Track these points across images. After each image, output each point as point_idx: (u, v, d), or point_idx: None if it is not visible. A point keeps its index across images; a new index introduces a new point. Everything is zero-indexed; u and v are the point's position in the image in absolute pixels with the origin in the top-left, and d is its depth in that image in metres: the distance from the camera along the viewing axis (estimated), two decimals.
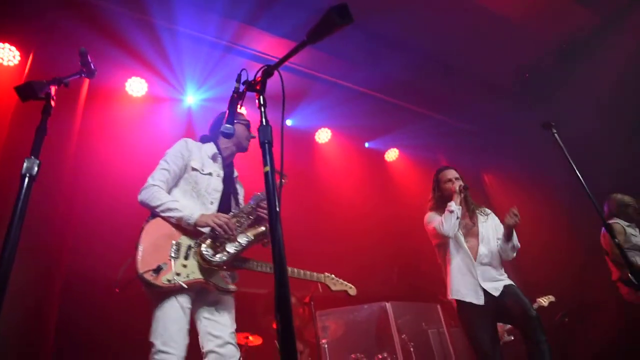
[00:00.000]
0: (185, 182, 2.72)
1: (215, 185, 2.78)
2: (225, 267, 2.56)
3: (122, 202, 4.87)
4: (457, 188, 3.53)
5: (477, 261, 3.45)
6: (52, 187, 4.12)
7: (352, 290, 2.95)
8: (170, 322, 2.32)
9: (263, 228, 2.70)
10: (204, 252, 2.46)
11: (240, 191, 3.04)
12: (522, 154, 7.26)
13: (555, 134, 3.29)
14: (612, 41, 6.76)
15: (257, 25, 5.39)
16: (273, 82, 1.79)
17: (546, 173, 6.16)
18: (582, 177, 3.08)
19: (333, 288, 2.88)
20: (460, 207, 3.50)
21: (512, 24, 6.75)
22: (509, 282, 3.46)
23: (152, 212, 2.56)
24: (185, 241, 2.51)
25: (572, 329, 5.82)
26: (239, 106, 1.90)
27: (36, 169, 1.58)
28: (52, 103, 1.70)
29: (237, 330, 4.98)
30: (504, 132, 7.67)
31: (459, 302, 3.41)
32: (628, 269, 4.25)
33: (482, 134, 7.82)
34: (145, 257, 2.35)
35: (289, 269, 2.62)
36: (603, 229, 3.07)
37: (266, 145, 1.56)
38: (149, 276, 2.29)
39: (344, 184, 7.34)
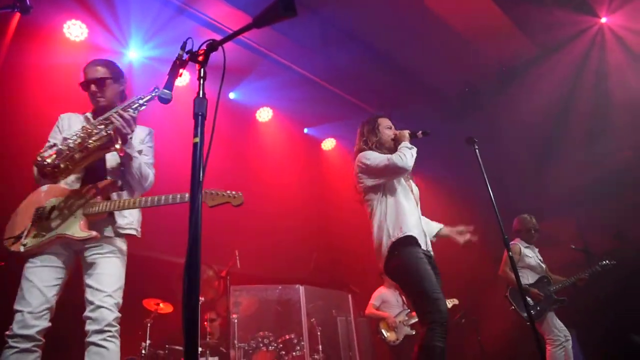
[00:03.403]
0: None
1: None
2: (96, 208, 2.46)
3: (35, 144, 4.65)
4: (419, 132, 3.34)
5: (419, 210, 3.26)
6: None
7: (237, 200, 2.49)
8: (24, 282, 2.35)
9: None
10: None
11: None
12: (450, 164, 7.66)
13: (477, 150, 3.51)
14: (545, 71, 7.30)
15: None
16: (220, 52, 1.80)
17: (466, 185, 6.56)
18: (493, 194, 3.33)
19: (211, 203, 2.46)
20: None
21: (461, 38, 7.09)
22: None
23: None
24: (51, 203, 2.49)
25: (467, 329, 6.32)
26: (179, 73, 1.89)
27: None
28: None
29: (149, 296, 4.97)
30: (435, 138, 8.03)
31: (406, 238, 2.92)
32: (512, 286, 4.74)
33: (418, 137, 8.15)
34: (10, 225, 2.45)
35: (148, 199, 2.50)
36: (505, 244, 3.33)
37: (199, 117, 1.59)
38: (8, 243, 2.37)
39: (277, 166, 7.39)
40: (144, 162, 2.69)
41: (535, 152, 7.36)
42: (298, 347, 5.41)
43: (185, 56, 1.82)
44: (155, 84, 5.82)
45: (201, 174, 1.50)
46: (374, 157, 3.17)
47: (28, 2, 1.90)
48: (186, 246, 1.38)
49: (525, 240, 5.04)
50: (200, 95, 1.65)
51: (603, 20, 6.90)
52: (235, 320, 5.32)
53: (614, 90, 6.76)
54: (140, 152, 2.73)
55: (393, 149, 3.28)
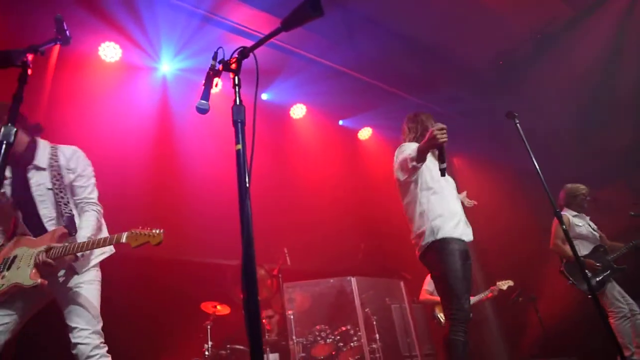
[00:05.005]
0: None
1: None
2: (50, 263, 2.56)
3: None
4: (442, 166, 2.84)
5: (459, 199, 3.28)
6: None
7: (156, 238, 2.49)
8: None
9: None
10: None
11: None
12: (490, 140, 7.48)
13: (518, 124, 3.43)
14: (582, 34, 6.98)
15: None
16: (251, 56, 1.84)
17: (511, 160, 6.38)
18: (539, 167, 3.25)
19: (134, 244, 2.48)
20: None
21: (489, 10, 6.87)
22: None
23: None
24: (15, 253, 2.62)
25: (525, 308, 6.17)
26: (214, 83, 1.95)
27: (13, 137, 1.62)
28: (29, 71, 1.72)
29: (207, 299, 5.14)
30: (474, 117, 7.88)
31: (445, 240, 2.96)
32: (564, 259, 4.56)
33: (454, 117, 8.00)
34: None
35: (80, 244, 2.53)
36: (557, 218, 3.25)
37: (239, 124, 1.64)
38: None
39: (316, 160, 7.45)
40: (85, 231, 2.69)
41: (579, 119, 7.06)
42: (355, 338, 5.46)
43: (218, 66, 1.87)
44: (189, 94, 6.00)
45: (247, 179, 1.55)
46: (407, 149, 3.16)
47: (68, 34, 2.00)
48: (237, 248, 1.44)
49: (575, 210, 4.85)
50: (237, 103, 1.70)
51: None
52: (292, 316, 5.43)
53: None
54: (73, 183, 2.80)
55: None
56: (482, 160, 7.89)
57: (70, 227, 2.67)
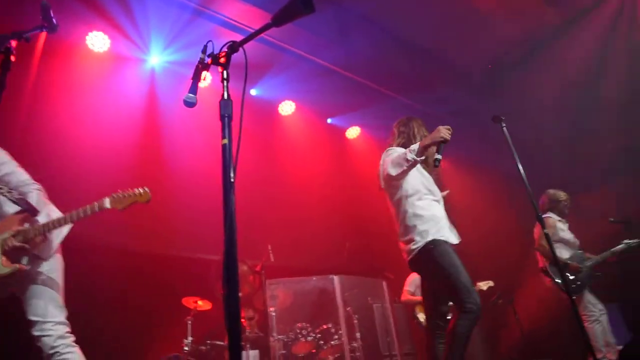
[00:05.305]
0: None
1: None
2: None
3: (75, 163, 4.81)
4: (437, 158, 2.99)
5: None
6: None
7: (144, 197, 2.45)
8: None
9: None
10: None
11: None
12: (477, 142, 7.55)
13: (504, 128, 3.47)
14: (569, 41, 7.08)
15: None
16: (240, 51, 1.83)
17: (497, 163, 6.46)
18: (524, 171, 3.30)
19: (121, 207, 2.42)
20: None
21: (480, 14, 6.93)
22: None
23: None
24: None
25: (504, 310, 6.26)
26: (202, 76, 1.94)
27: None
28: (12, 58, 1.69)
29: (189, 294, 5.11)
30: (463, 119, 7.94)
31: (435, 241, 2.99)
32: (550, 261, 4.64)
33: (443, 118, 8.06)
34: None
35: (68, 215, 2.46)
36: (538, 222, 3.31)
37: (226, 118, 1.63)
38: None
39: (304, 158, 7.44)
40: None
41: (565, 125, 7.17)
42: (336, 336, 5.47)
43: (207, 59, 1.86)
44: (178, 88, 5.96)
45: (232, 174, 1.55)
46: (394, 153, 3.21)
47: (55, 21, 1.96)
48: (221, 243, 1.44)
49: (558, 215, 4.94)
50: (225, 97, 1.69)
51: None
52: (273, 314, 5.43)
53: None
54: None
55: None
56: (469, 163, 7.96)
57: (30, 209, 2.55)
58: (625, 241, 4.78)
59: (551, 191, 5.03)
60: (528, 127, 7.00)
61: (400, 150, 3.17)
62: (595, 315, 4.48)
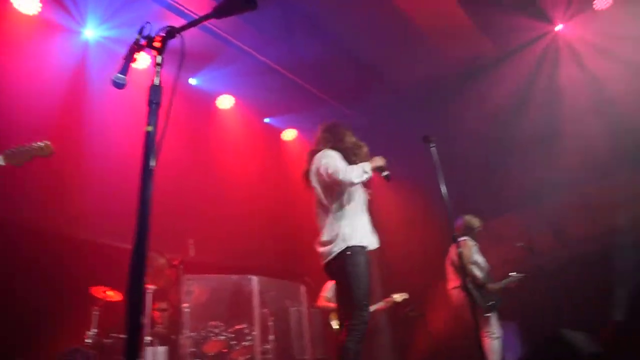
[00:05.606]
0: None
1: None
2: None
3: None
4: (386, 172, 3.38)
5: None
6: None
7: (45, 150, 2.31)
8: None
9: None
10: None
11: None
12: (408, 158, 7.82)
13: (432, 148, 3.63)
14: (502, 74, 7.57)
15: None
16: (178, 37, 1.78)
17: (423, 181, 6.74)
18: (446, 191, 3.45)
19: (17, 162, 2.27)
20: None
21: (425, 37, 7.21)
22: None
23: None
24: None
25: (416, 321, 6.52)
26: (134, 58, 1.86)
27: None
28: None
29: (98, 283, 4.83)
30: (396, 135, 8.20)
31: (357, 247, 3.09)
32: (470, 279, 4.93)
33: (377, 131, 8.27)
34: None
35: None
36: (454, 243, 3.48)
37: (154, 105, 1.58)
38: None
39: (237, 154, 7.33)
40: None
41: (489, 152, 7.62)
42: (249, 337, 5.42)
43: (142, 41, 1.79)
44: (111, 65, 5.67)
45: (153, 161, 1.49)
46: (337, 159, 3.29)
47: None
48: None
49: (472, 239, 5.26)
50: (156, 83, 1.63)
51: (557, 28, 7.21)
52: (187, 310, 5.26)
53: (564, 98, 7.08)
54: None
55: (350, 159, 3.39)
56: (398, 177, 8.22)
57: None
58: (512, 274, 5.15)
59: (467, 217, 5.34)
60: (456, 150, 7.38)
61: (337, 154, 3.29)
62: (497, 333, 4.84)
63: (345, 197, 3.26)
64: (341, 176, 3.13)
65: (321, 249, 3.21)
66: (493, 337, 4.79)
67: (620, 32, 6.58)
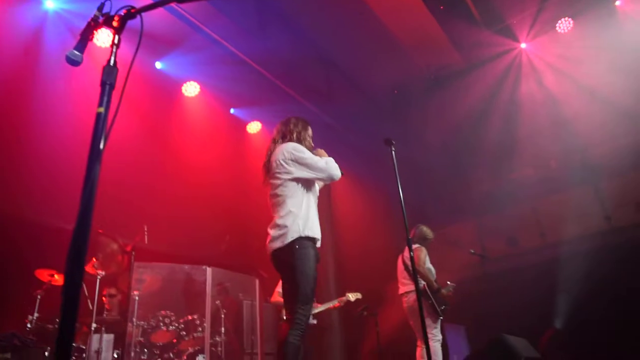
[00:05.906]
0: None
1: None
2: None
3: None
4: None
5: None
6: None
7: None
8: None
9: None
10: None
11: None
12: (370, 160, 7.93)
13: (393, 152, 3.67)
14: (468, 85, 7.78)
15: None
16: (150, 16, 1.74)
17: (384, 184, 6.84)
18: (403, 196, 3.49)
19: None
20: None
21: (397, 43, 7.33)
22: None
23: None
24: None
25: (368, 321, 6.62)
26: (92, 35, 1.80)
27: None
28: None
29: (43, 266, 4.64)
30: (361, 137, 8.30)
31: (307, 238, 3.09)
32: (427, 283, 5.06)
33: (342, 132, 8.34)
34: None
35: None
36: (408, 247, 3.51)
37: (107, 86, 1.53)
38: None
39: (200, 142, 7.19)
40: None
41: (450, 159, 7.83)
42: (200, 328, 5.36)
43: (101, 18, 1.74)
44: (69, 38, 5.45)
45: (102, 144, 1.45)
46: (304, 151, 3.28)
47: None
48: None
49: (425, 247, 5.40)
50: (111, 64, 1.59)
51: (522, 45, 7.47)
52: (137, 298, 5.14)
53: (523, 113, 7.35)
54: None
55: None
56: (360, 178, 8.31)
57: None
58: (449, 283, 5.36)
59: (421, 227, 5.49)
60: (419, 155, 7.54)
61: (304, 148, 3.32)
62: (439, 336, 5.04)
63: (305, 190, 3.25)
64: (334, 172, 3.24)
65: (271, 238, 3.14)
66: (435, 339, 4.97)
67: (577, 55, 6.90)
